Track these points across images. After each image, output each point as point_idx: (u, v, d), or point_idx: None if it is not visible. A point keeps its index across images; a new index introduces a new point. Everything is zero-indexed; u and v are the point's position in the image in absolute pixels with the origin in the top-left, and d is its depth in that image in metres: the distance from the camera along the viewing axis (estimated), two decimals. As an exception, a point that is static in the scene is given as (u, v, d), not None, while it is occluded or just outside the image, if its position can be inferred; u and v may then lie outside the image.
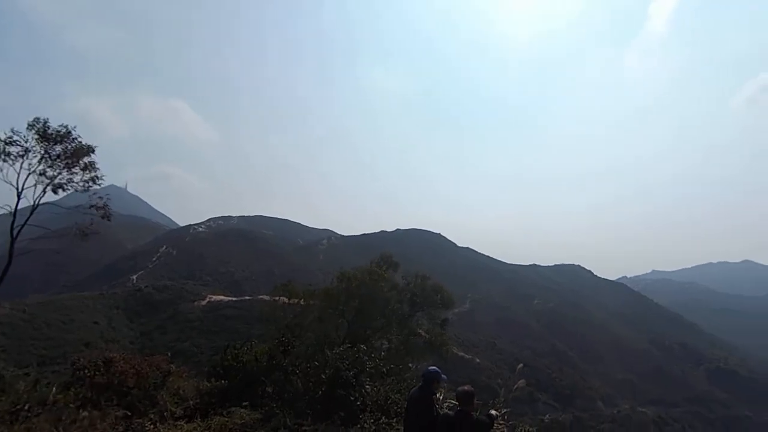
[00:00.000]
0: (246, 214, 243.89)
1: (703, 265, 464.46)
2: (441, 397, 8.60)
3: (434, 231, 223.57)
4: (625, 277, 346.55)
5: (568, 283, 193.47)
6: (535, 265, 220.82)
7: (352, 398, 8.57)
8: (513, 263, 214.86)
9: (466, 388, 5.43)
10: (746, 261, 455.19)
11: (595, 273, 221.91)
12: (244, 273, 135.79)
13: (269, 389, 10.61)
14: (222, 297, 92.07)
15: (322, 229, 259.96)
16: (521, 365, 13.47)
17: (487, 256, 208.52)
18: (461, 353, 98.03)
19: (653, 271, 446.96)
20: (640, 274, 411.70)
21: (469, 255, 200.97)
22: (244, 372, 11.27)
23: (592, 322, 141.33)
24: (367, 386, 9.06)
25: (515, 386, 12.45)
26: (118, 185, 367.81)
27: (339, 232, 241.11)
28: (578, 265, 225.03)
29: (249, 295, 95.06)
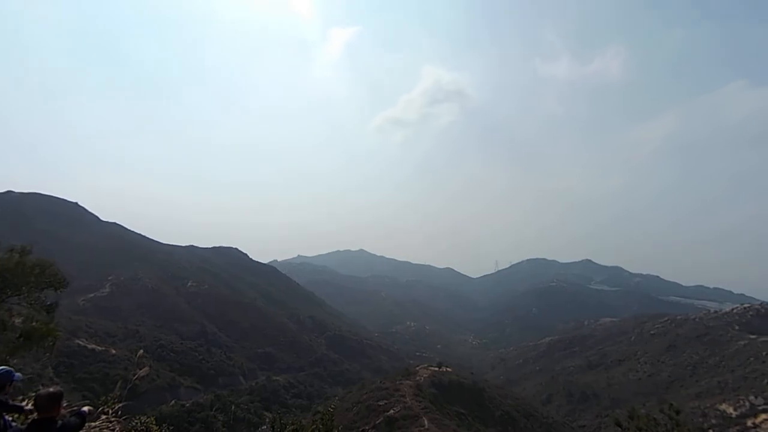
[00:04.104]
0: None
1: (333, 252, 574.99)
2: (28, 404, 6.10)
3: (69, 200, 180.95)
4: (276, 260, 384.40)
5: (225, 265, 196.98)
6: (193, 246, 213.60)
7: None
8: (169, 243, 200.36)
9: (51, 389, 4.55)
10: (361, 250, 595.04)
11: (250, 256, 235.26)
12: None
13: None
14: None
15: None
16: (141, 352, 11.28)
17: (138, 234, 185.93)
18: (92, 345, 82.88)
19: (298, 255, 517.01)
20: (288, 258, 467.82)
21: (115, 231, 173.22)
22: None
23: (243, 302, 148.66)
24: None
25: (135, 376, 10.32)
26: None
27: None
28: (236, 248, 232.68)
29: None
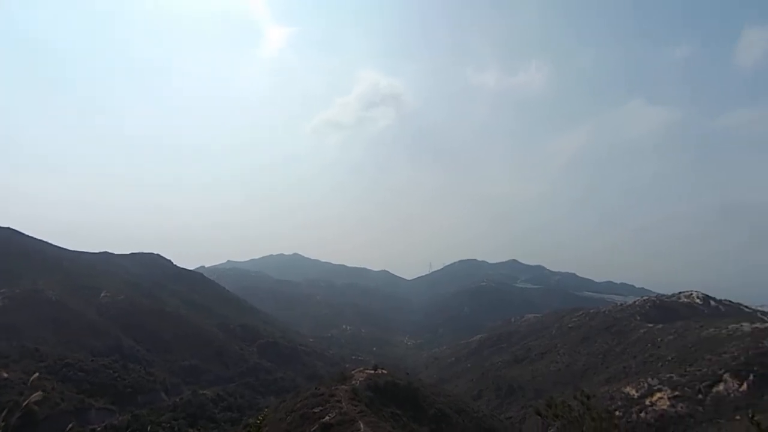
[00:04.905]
0: None
1: (267, 256, 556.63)
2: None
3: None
4: (204, 266, 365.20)
5: (145, 273, 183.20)
6: (107, 252, 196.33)
7: None
8: (78, 250, 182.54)
9: None
10: (296, 254, 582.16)
11: (174, 262, 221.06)
12: None
13: None
14: None
15: None
16: (36, 374, 10.18)
17: (38, 240, 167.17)
18: (-22, 370, 72.93)
19: (228, 261, 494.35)
20: (217, 263, 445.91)
21: (7, 237, 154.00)
22: None
23: (165, 312, 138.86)
24: None
25: (25, 401, 9.16)
26: None
27: None
28: (157, 254, 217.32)
29: None
